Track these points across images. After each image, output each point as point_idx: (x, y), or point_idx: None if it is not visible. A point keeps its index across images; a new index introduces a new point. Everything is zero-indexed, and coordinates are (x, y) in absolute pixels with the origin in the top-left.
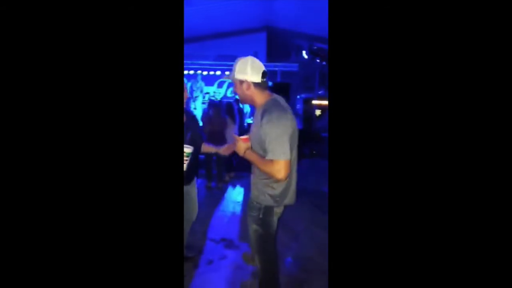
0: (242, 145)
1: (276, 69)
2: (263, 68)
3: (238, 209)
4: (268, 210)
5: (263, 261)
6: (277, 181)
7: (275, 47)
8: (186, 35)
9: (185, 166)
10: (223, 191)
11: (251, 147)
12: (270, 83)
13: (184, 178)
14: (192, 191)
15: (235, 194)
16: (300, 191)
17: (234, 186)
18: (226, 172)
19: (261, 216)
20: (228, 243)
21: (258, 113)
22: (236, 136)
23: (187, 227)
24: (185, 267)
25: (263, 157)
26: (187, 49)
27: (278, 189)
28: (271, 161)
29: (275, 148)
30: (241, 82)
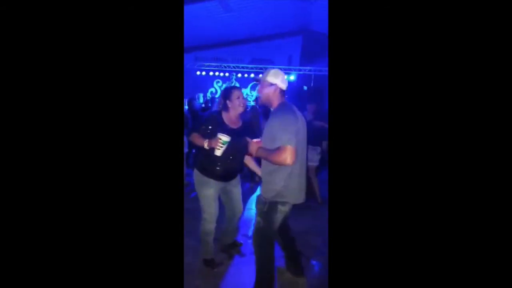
0: (254, 146)
1: (311, 73)
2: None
3: None
4: (272, 205)
5: (259, 254)
6: (284, 166)
7: (310, 50)
8: (223, 40)
9: (219, 152)
10: (253, 190)
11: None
12: (305, 88)
13: (225, 175)
14: (235, 190)
15: None
16: None
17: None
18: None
19: (265, 210)
20: None
21: (271, 114)
22: (249, 139)
23: (231, 224)
24: (220, 258)
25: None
26: (223, 52)
27: (280, 183)
28: (279, 149)
29: (282, 136)
30: (272, 84)
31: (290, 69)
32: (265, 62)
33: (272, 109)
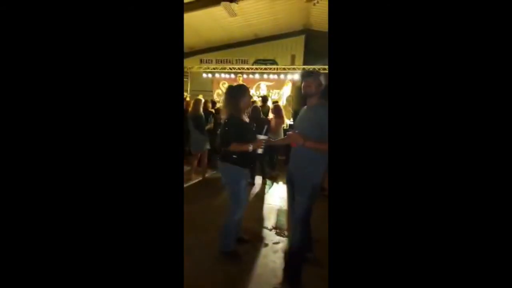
0: (299, 137)
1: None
2: None
3: (283, 203)
4: None
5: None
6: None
7: (314, 49)
8: (228, 41)
9: (261, 150)
10: (269, 186)
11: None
12: None
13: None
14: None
15: (279, 190)
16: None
17: (275, 182)
18: (272, 169)
19: None
20: (279, 231)
21: (310, 109)
22: (292, 132)
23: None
24: (245, 249)
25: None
26: (228, 54)
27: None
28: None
29: (325, 129)
30: (321, 85)
31: (294, 68)
32: (269, 63)
33: (313, 106)
